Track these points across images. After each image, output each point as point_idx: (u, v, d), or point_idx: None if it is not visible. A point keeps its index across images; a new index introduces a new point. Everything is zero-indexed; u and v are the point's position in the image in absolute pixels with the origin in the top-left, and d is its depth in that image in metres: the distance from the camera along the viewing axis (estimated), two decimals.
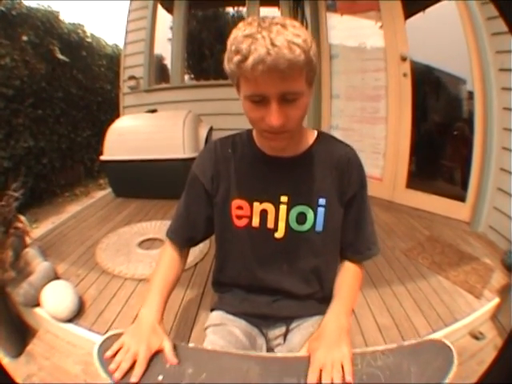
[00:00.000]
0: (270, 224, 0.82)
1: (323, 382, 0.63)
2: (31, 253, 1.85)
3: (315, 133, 0.85)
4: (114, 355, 0.70)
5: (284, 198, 0.81)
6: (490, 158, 2.23)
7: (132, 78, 3.93)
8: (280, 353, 0.84)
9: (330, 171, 0.82)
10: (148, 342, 0.71)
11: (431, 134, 2.84)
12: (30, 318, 1.75)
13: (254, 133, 0.84)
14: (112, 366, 0.68)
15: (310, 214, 0.81)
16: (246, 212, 0.83)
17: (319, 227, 0.82)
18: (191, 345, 0.79)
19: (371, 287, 1.87)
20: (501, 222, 2.23)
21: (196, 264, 2.07)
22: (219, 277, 0.97)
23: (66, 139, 3.83)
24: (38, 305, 1.70)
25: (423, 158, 2.87)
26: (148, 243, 2.39)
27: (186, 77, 4.44)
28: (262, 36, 0.59)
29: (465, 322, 1.67)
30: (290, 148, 0.79)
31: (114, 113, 4.10)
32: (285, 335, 0.93)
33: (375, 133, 2.94)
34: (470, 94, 2.33)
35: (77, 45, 4.16)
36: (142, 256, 2.17)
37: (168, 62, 4.37)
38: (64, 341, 1.65)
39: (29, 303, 1.70)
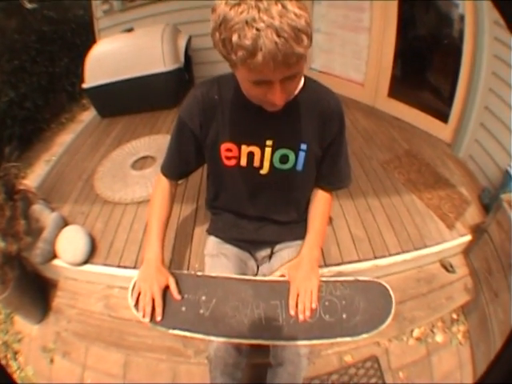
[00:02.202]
0: (256, 163, 0.91)
1: (299, 306, 0.86)
2: (38, 208, 1.87)
3: (302, 80, 0.85)
4: (137, 302, 0.87)
5: (269, 142, 0.88)
6: (479, 69, 2.07)
7: (105, 1, 3.67)
8: (266, 276, 1.03)
9: (313, 119, 0.88)
10: (158, 282, 0.88)
11: (418, 46, 2.65)
12: (48, 272, 1.83)
13: None
14: (139, 314, 0.86)
15: (292, 156, 0.90)
16: (235, 154, 0.90)
17: (299, 167, 0.92)
18: (199, 273, 0.95)
19: (348, 197, 1.92)
20: (481, 156, 2.10)
21: None
22: (212, 203, 1.12)
23: (45, 75, 3.65)
24: (54, 257, 1.76)
25: (407, 69, 2.75)
26: (141, 162, 2.46)
27: None
28: (265, 25, 0.56)
29: (434, 249, 1.68)
30: None
31: (89, 35, 3.87)
32: (270, 256, 1.11)
33: (359, 41, 2.82)
34: (462, 18, 2.15)
35: None
36: (137, 178, 2.28)
37: None
38: (83, 282, 1.78)
39: (46, 260, 1.74)
